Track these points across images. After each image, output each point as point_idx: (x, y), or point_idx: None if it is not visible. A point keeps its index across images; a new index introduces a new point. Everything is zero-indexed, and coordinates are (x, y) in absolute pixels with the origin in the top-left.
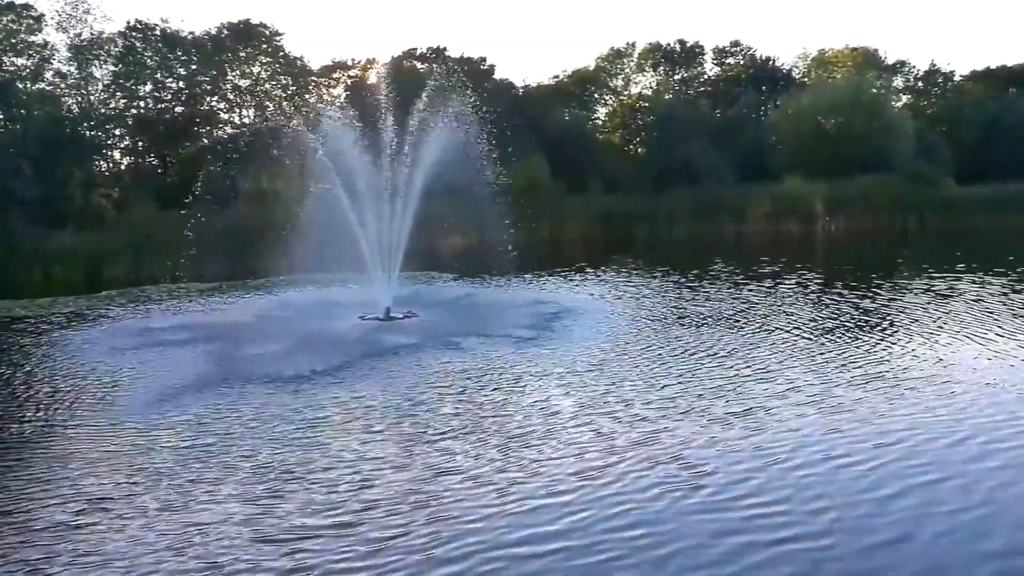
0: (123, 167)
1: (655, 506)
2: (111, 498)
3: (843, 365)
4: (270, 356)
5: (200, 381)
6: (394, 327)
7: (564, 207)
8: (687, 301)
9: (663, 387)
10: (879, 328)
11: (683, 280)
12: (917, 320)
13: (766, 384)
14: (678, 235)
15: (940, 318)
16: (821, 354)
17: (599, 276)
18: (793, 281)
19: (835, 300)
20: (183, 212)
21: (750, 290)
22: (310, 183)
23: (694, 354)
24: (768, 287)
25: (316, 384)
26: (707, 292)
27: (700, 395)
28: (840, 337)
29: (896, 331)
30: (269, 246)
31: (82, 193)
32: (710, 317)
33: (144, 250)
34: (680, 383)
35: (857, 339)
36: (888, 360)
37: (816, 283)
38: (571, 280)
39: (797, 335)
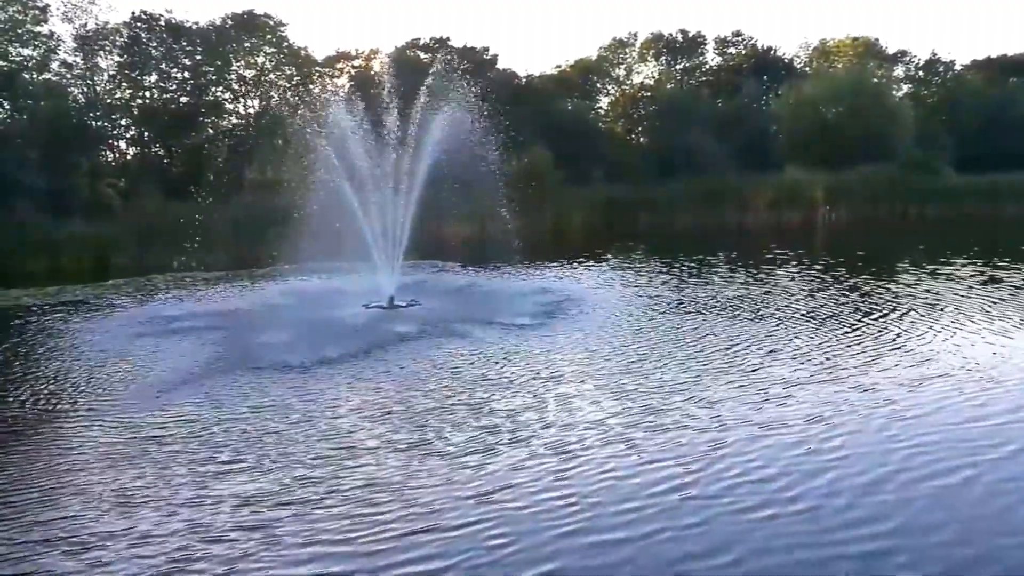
0: (129, 157)
1: (742, 527)
2: (114, 490)
3: (897, 361)
4: (275, 344)
5: (205, 370)
6: (398, 315)
7: (567, 196)
8: (699, 290)
9: (703, 384)
10: (923, 319)
11: (691, 269)
12: (955, 311)
13: (824, 383)
14: (681, 224)
15: (981, 309)
16: (869, 346)
17: (603, 265)
18: (808, 269)
19: (860, 290)
20: (193, 200)
21: (770, 278)
22: (314, 172)
23: (729, 347)
24: (786, 275)
25: (321, 373)
26: (721, 281)
27: (747, 395)
28: (881, 329)
29: (943, 324)
30: (274, 235)
31: (89, 183)
32: (730, 306)
33: (150, 239)
34: (720, 380)
35: (899, 331)
36: (946, 355)
37: (832, 272)
38: (575, 269)
39: (833, 327)
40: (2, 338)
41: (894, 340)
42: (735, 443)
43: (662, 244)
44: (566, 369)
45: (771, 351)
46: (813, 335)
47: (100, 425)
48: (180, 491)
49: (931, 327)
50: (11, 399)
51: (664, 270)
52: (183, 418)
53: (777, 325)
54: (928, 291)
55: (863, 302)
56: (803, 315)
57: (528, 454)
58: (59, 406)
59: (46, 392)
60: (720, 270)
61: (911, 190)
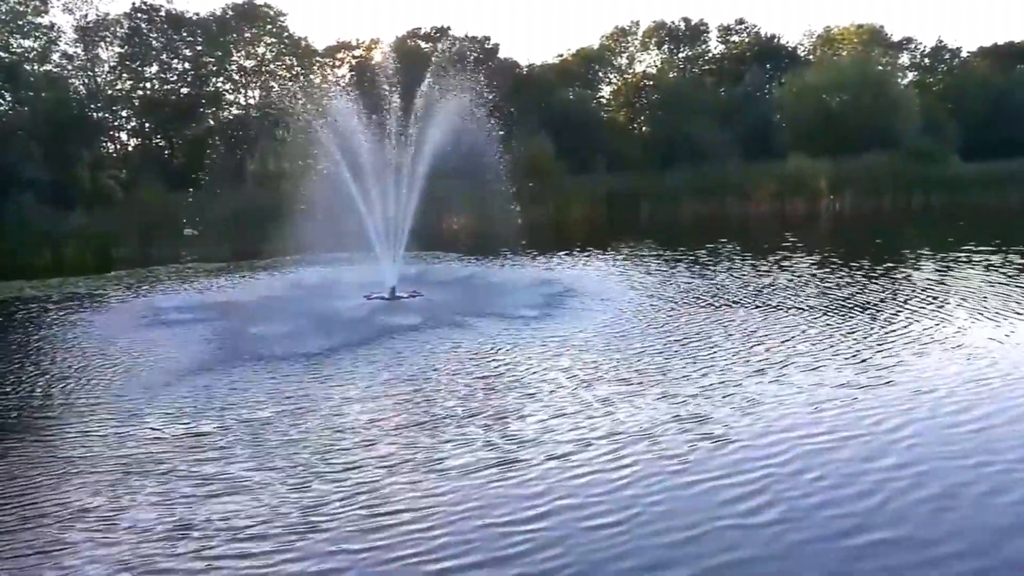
0: (131, 148)
1: (839, 557)
2: (117, 481)
3: (960, 361)
4: (276, 336)
5: (204, 363)
6: (399, 307)
7: (569, 186)
8: (723, 280)
9: (753, 388)
10: (973, 313)
11: (708, 259)
12: (1004, 304)
13: (888, 387)
14: (683, 214)
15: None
16: (927, 343)
17: (609, 255)
18: (831, 259)
19: (893, 279)
20: (194, 192)
21: (796, 268)
22: (315, 163)
23: (773, 343)
24: (811, 265)
25: (323, 369)
26: (746, 271)
27: (805, 399)
28: (935, 322)
29: (996, 318)
30: (275, 226)
31: (90, 174)
32: (762, 297)
33: (152, 230)
34: (773, 383)
35: (953, 326)
36: (1012, 355)
37: (858, 262)
38: (580, 259)
39: (879, 320)
40: (4, 330)
41: (950, 336)
42: (806, 455)
43: (669, 233)
44: (593, 369)
45: (821, 348)
46: (862, 330)
47: (93, 425)
48: (165, 509)
49: (985, 322)
50: (9, 393)
51: (678, 260)
52: (179, 419)
53: (820, 318)
54: (966, 281)
55: (902, 293)
56: (844, 307)
57: (566, 470)
58: (54, 402)
59: (43, 386)
60: (739, 260)
61: (916, 179)
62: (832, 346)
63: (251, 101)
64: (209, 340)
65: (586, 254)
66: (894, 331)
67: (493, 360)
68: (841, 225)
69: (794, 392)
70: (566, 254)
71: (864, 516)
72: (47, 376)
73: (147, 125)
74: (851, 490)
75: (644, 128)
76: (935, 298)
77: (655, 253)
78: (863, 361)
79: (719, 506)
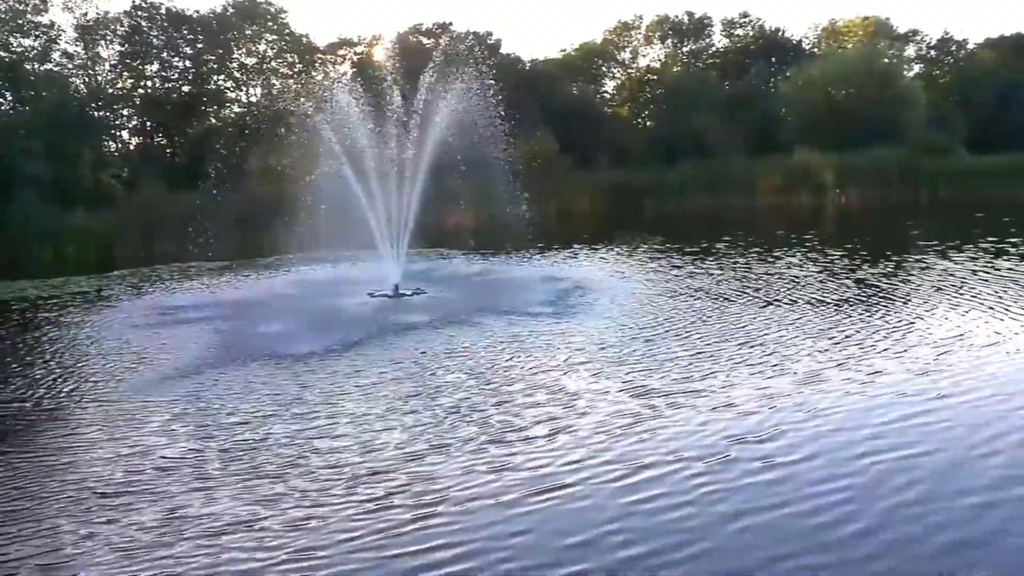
0: (132, 147)
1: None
2: (118, 480)
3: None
4: (279, 334)
5: (206, 362)
6: (403, 304)
7: (573, 182)
8: (732, 275)
9: (813, 397)
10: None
11: (716, 253)
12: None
13: (966, 398)
14: (688, 208)
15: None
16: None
17: (610, 251)
18: (857, 253)
19: (913, 272)
20: (196, 190)
21: (826, 262)
22: (318, 161)
23: (822, 346)
24: (838, 259)
25: (326, 362)
26: (775, 264)
27: (876, 411)
28: (972, 319)
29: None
30: (278, 224)
31: (92, 173)
32: (774, 292)
33: (154, 229)
34: (835, 393)
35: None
36: None
37: (888, 256)
38: (585, 255)
39: (933, 322)
40: (7, 330)
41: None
42: (911, 482)
43: (677, 228)
44: (633, 375)
45: (879, 349)
46: (921, 328)
47: (83, 437)
48: (152, 542)
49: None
50: (9, 392)
51: (694, 255)
52: (174, 432)
53: (868, 315)
54: (1015, 274)
55: (950, 287)
56: (890, 303)
57: (624, 498)
58: (48, 409)
59: (41, 389)
60: (758, 254)
61: (923, 172)
62: (893, 347)
63: (253, 99)
64: (211, 339)
65: (594, 249)
66: (959, 330)
67: (516, 365)
68: (851, 218)
69: (870, 403)
70: (576, 248)
71: (1009, 568)
72: (45, 378)
73: (148, 123)
74: (974, 530)
75: (648, 123)
76: (991, 293)
77: (667, 248)
78: (944, 368)
79: (823, 551)
